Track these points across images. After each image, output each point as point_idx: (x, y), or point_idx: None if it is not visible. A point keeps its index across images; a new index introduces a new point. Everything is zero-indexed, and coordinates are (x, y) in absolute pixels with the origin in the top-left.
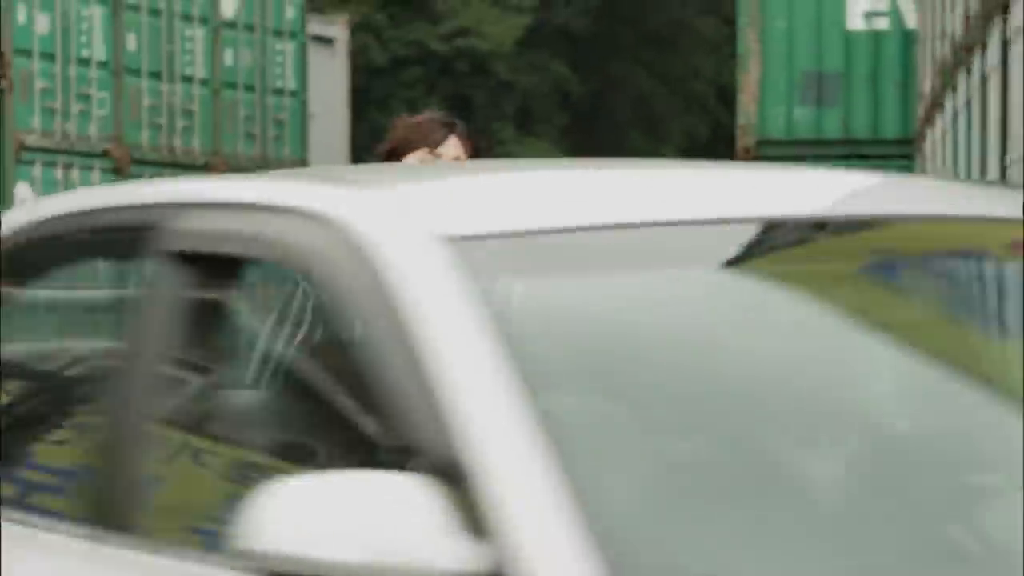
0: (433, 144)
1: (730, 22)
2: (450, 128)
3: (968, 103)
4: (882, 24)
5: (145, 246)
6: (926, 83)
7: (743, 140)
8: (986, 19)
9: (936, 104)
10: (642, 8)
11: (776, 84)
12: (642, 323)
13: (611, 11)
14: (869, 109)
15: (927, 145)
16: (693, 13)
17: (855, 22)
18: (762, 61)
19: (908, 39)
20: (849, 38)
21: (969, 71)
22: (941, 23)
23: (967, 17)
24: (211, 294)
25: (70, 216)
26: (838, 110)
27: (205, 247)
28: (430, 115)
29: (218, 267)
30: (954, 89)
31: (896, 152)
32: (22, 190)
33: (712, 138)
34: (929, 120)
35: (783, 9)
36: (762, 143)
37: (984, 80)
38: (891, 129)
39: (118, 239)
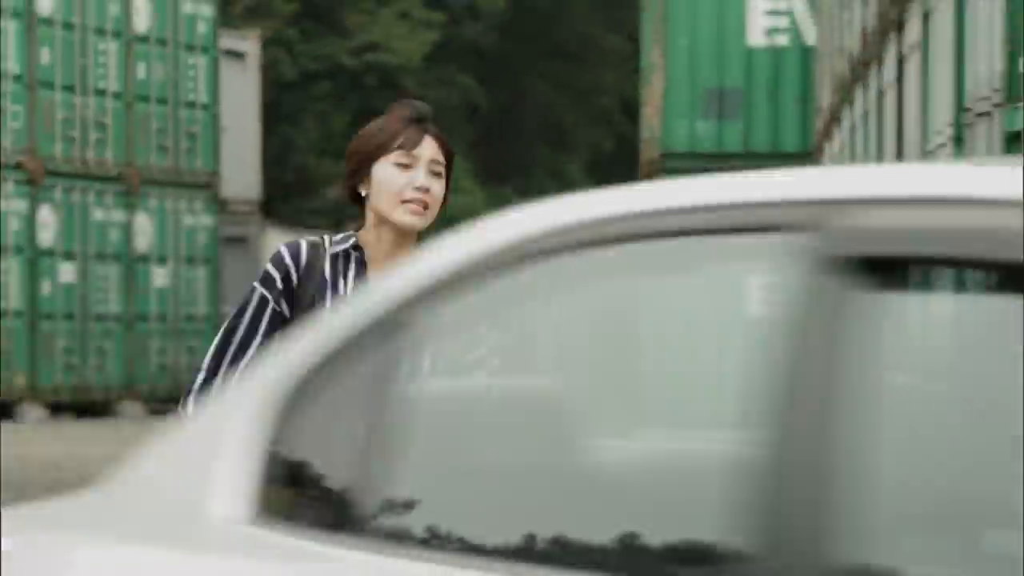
0: (408, 146)
1: (635, 38)
2: (423, 127)
3: (865, 117)
4: (782, 41)
5: (786, 249)
6: (824, 98)
7: (647, 153)
8: (882, 35)
9: (834, 118)
10: (549, 24)
11: (679, 99)
12: None
13: (519, 27)
14: (769, 123)
15: (826, 158)
16: (599, 29)
17: (756, 39)
18: (665, 76)
19: (807, 55)
20: (750, 54)
21: (866, 86)
22: (839, 40)
23: (864, 34)
24: (906, 302)
25: (628, 218)
26: (739, 124)
27: (893, 248)
28: (398, 113)
29: (907, 272)
30: (852, 103)
31: (795, 165)
32: None
33: (617, 151)
34: (828, 134)
35: (686, 26)
36: (665, 156)
37: (880, 95)
38: (791, 143)
39: (721, 242)
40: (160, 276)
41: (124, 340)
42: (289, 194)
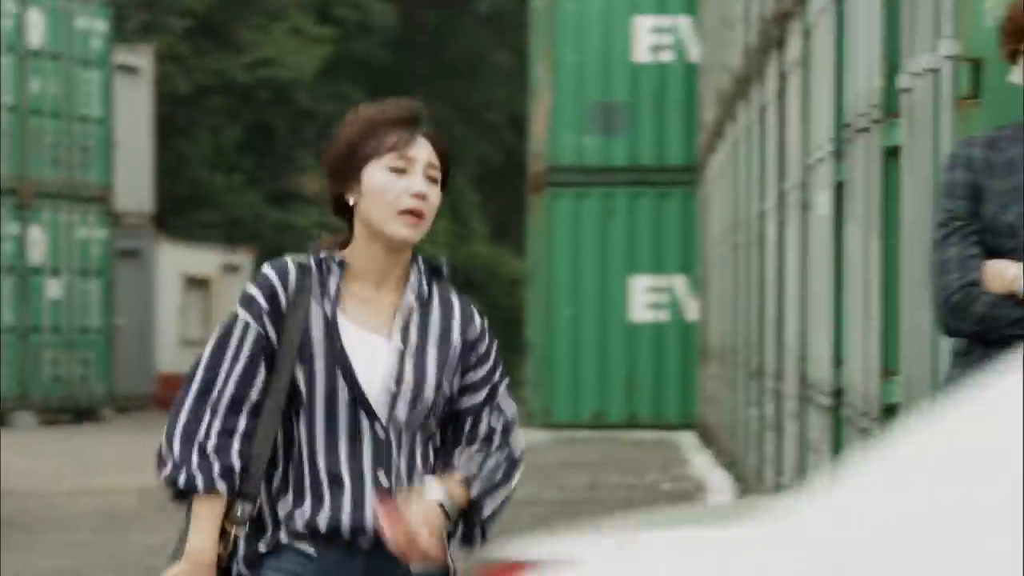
0: (401, 147)
1: (523, 54)
2: (415, 125)
3: (748, 132)
4: (667, 57)
5: None
6: (708, 113)
7: (534, 166)
8: (764, 53)
9: (718, 133)
10: (439, 40)
11: (566, 113)
12: None
13: (409, 43)
14: (654, 138)
15: (709, 172)
16: (488, 45)
17: (641, 55)
18: (553, 91)
19: (691, 71)
20: (635, 70)
21: (748, 102)
22: (722, 56)
23: (746, 51)
24: None
25: None
26: (625, 139)
27: None
28: (385, 108)
29: None
30: (734, 119)
31: (680, 179)
32: None
33: (505, 164)
34: (711, 148)
35: (573, 42)
36: (552, 170)
37: (762, 110)
38: (675, 157)
39: None
40: (54, 288)
41: (17, 351)
42: (182, 207)
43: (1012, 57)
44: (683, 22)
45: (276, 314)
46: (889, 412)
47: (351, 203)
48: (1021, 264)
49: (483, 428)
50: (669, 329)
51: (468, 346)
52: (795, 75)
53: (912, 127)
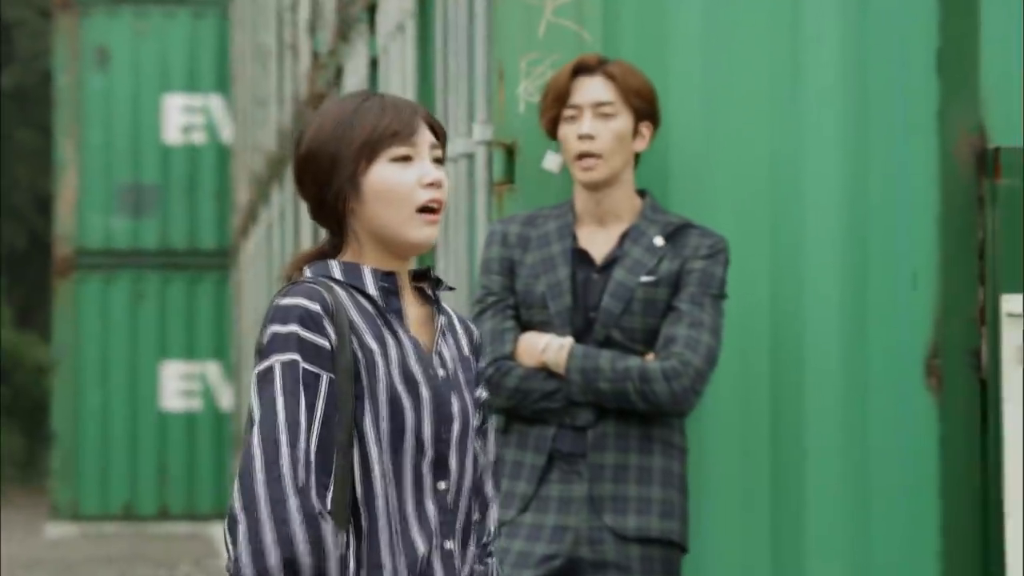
0: (406, 132)
1: (48, 131)
2: (417, 112)
3: (282, 215)
4: (198, 138)
5: None
6: (242, 195)
7: (61, 249)
8: (299, 132)
9: (252, 216)
10: None
11: (94, 195)
12: None
13: None
14: (187, 220)
15: (243, 256)
16: (11, 123)
17: (172, 135)
18: (80, 171)
19: (224, 152)
20: (166, 151)
21: (283, 183)
22: (255, 137)
23: (280, 131)
24: None
25: None
26: (156, 221)
27: None
28: (366, 95)
29: None
30: (268, 202)
31: (213, 263)
32: None
33: (30, 248)
34: (245, 231)
35: (100, 120)
36: (80, 253)
37: (297, 193)
38: (208, 240)
39: None
40: None
41: None
42: None
43: (553, 125)
44: (215, 101)
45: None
46: None
47: (346, 209)
48: (551, 335)
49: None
50: (202, 417)
51: (476, 363)
52: None
53: (447, 212)
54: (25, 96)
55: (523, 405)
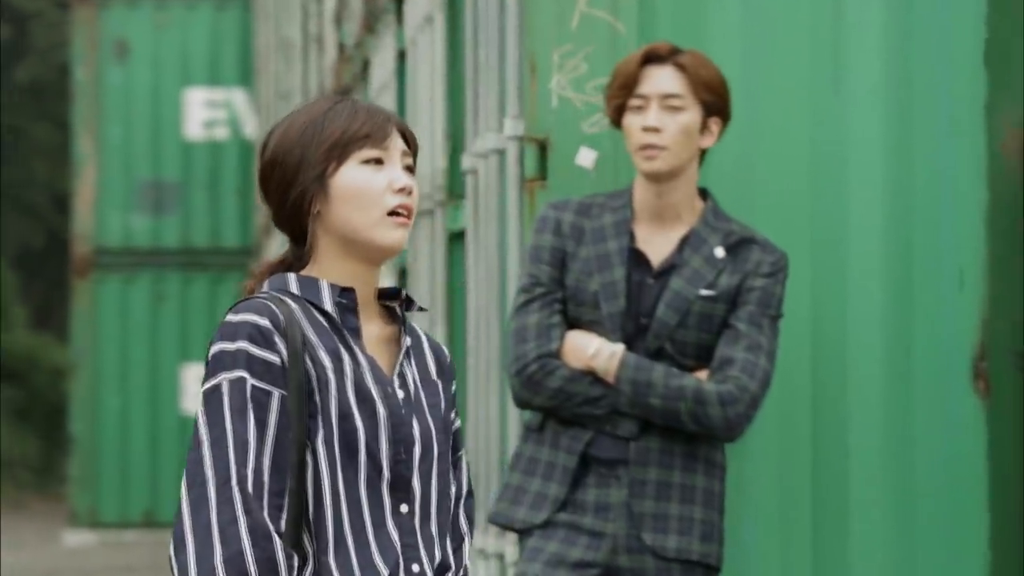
0: (378, 135)
1: (65, 126)
2: (390, 119)
3: None
4: (221, 133)
5: None
6: None
7: (79, 248)
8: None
9: None
10: None
11: (113, 192)
12: None
13: None
14: (208, 218)
15: (266, 255)
16: (27, 118)
17: (193, 131)
18: (98, 168)
19: (246, 148)
20: (187, 146)
21: None
22: None
23: None
24: None
25: None
26: (177, 219)
27: None
28: (339, 98)
29: None
30: None
31: (235, 262)
32: None
33: (47, 247)
34: (268, 229)
35: (119, 115)
36: (99, 252)
37: None
38: (231, 238)
39: None
40: None
41: None
42: None
43: (618, 113)
44: (237, 95)
45: (284, 366)
46: None
47: (312, 212)
48: (601, 339)
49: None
50: None
51: (447, 387)
52: None
53: (477, 210)
54: (42, 90)
55: (564, 407)
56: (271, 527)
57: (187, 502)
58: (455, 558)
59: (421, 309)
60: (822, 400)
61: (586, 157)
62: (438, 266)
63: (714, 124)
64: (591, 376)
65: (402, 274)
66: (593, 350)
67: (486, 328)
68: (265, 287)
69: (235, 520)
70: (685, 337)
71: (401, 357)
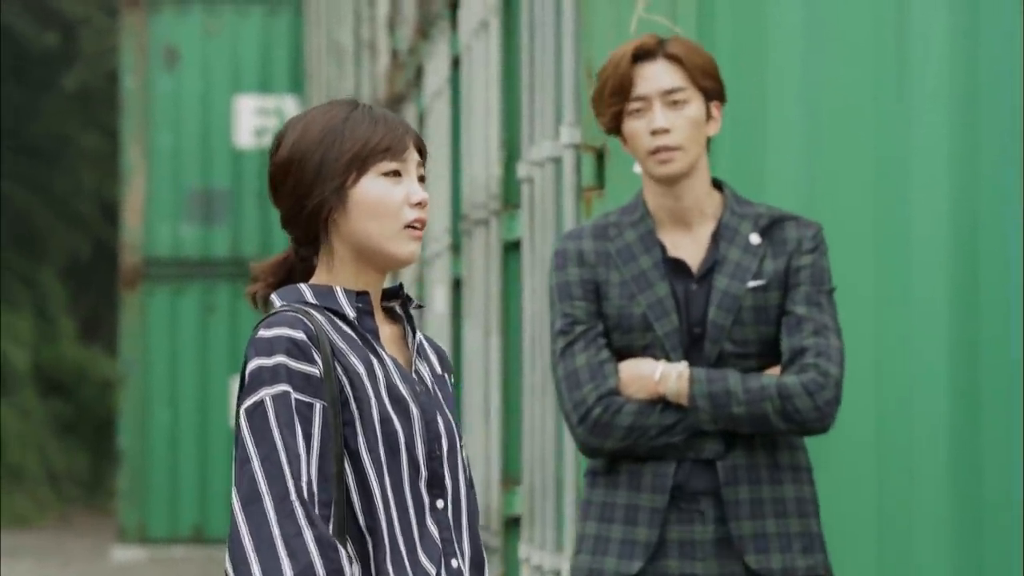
0: (397, 148)
1: (114, 135)
2: (408, 129)
3: None
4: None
5: None
6: None
7: (128, 259)
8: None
9: None
10: (21, 120)
11: (162, 201)
12: None
13: None
14: (259, 228)
15: None
16: (75, 126)
17: (243, 138)
18: (147, 177)
19: None
20: (237, 155)
21: None
22: None
23: None
24: None
25: None
26: (227, 229)
27: None
28: (354, 103)
29: None
30: None
31: None
32: None
33: (95, 257)
34: None
35: (168, 124)
36: (148, 262)
37: None
38: (281, 248)
39: None
40: None
41: None
42: None
43: (616, 121)
44: (288, 103)
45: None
46: (511, 525)
47: (328, 220)
48: (662, 362)
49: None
50: None
51: (450, 380)
52: None
53: (533, 219)
54: (90, 98)
55: (639, 444)
56: (333, 537)
57: (244, 519)
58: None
59: (419, 307)
60: (886, 416)
61: None
62: (493, 277)
63: (715, 109)
64: (661, 403)
65: (456, 285)
66: (658, 375)
67: (541, 340)
68: (277, 303)
69: (300, 533)
70: (744, 335)
71: (414, 355)
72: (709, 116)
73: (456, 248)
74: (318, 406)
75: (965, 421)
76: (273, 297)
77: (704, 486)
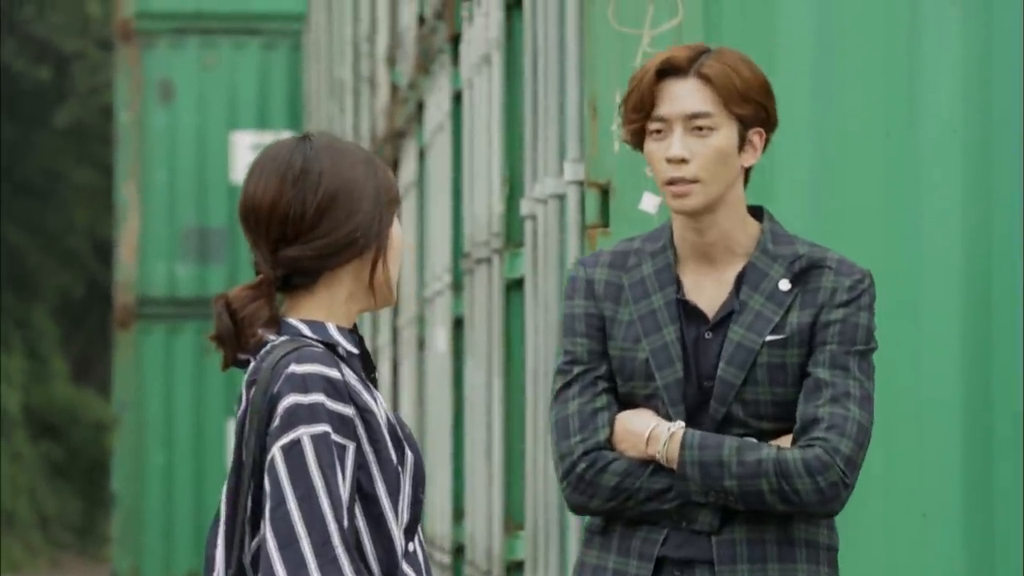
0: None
1: (108, 171)
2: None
3: None
4: None
5: None
6: None
7: (122, 297)
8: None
9: None
10: (12, 155)
11: (157, 239)
12: None
13: None
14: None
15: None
16: (68, 162)
17: (240, 176)
18: (142, 214)
19: None
20: (233, 191)
21: None
22: None
23: None
24: None
25: None
26: (223, 267)
27: None
28: (367, 157)
29: None
30: None
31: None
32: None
33: (88, 296)
34: None
35: (164, 159)
36: (142, 301)
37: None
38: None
39: None
40: None
41: None
42: None
43: (639, 137)
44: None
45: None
46: (513, 570)
47: (357, 256)
48: (658, 418)
49: None
50: None
51: None
52: (410, 198)
53: (536, 257)
54: (83, 133)
55: (626, 507)
56: None
57: (280, 562)
58: None
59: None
60: (895, 456)
61: (650, 202)
62: (495, 316)
63: (756, 136)
64: (653, 464)
65: (458, 324)
66: (647, 433)
67: (544, 381)
68: (275, 339)
69: None
70: (756, 396)
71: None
72: (745, 144)
73: (457, 287)
74: (351, 448)
75: (978, 465)
76: (263, 333)
77: (701, 555)
